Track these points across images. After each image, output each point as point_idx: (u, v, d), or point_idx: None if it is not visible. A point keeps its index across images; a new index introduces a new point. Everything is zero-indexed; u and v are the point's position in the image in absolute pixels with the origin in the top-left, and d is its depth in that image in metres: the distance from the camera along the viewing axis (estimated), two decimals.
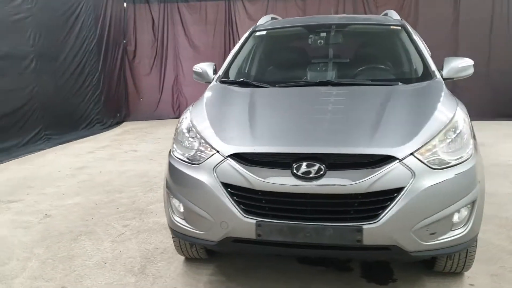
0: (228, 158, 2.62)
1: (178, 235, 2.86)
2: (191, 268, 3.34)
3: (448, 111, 2.81)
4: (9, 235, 4.05)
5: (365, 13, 10.06)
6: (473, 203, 2.60)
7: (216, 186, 2.60)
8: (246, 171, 2.55)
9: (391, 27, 4.06)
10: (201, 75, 3.93)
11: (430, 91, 3.15)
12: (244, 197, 2.56)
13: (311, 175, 2.46)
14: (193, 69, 4.03)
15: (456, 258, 2.93)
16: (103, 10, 9.81)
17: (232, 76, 3.78)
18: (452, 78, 3.62)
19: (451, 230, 2.56)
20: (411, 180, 2.43)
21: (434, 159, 2.52)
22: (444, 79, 3.57)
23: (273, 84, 3.53)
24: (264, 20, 4.52)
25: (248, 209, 2.55)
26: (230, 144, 2.67)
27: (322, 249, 2.58)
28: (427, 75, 3.44)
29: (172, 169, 2.86)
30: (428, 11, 9.71)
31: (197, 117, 3.02)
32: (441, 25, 9.65)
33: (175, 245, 3.28)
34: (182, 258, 3.47)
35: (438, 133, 2.60)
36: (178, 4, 10.65)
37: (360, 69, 3.73)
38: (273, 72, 3.97)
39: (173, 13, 10.70)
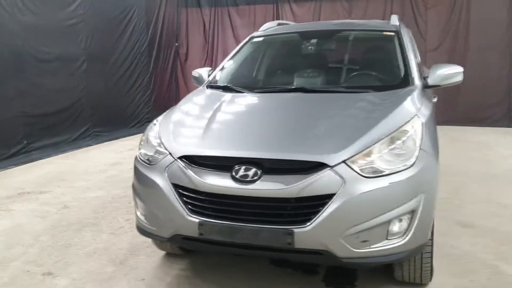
0: (178, 160, 2.79)
1: (140, 231, 3.07)
2: (166, 262, 3.55)
3: (400, 120, 2.80)
4: (25, 223, 4.48)
5: (414, 15, 9.84)
6: (412, 213, 2.59)
7: (166, 186, 2.79)
8: (192, 173, 2.71)
9: (384, 33, 4.04)
10: (198, 80, 4.14)
11: (394, 99, 3.13)
12: (190, 197, 2.73)
13: (248, 179, 2.58)
14: (192, 74, 4.24)
15: (411, 268, 2.92)
16: (155, 14, 10.34)
17: (222, 80, 3.95)
18: (439, 86, 3.57)
19: (387, 239, 2.57)
20: (341, 187, 2.48)
21: (368, 168, 2.54)
22: (429, 86, 3.53)
23: (251, 89, 3.67)
24: (267, 26, 4.64)
25: (193, 209, 2.72)
26: (181, 147, 2.85)
27: (259, 250, 2.68)
28: (405, 82, 3.41)
29: (135, 169, 3.08)
30: (481, 13, 9.29)
31: (165, 120, 3.22)
32: (495, 27, 9.21)
33: (152, 240, 3.50)
34: (164, 252, 3.69)
35: (377, 142, 2.61)
36: (228, 8, 10.96)
37: (340, 76, 3.76)
38: (258, 78, 4.09)
39: (223, 16, 11.02)
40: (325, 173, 2.50)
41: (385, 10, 10.00)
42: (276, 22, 4.76)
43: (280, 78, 3.97)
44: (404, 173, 2.57)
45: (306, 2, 10.57)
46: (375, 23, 4.65)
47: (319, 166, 2.53)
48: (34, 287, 3.24)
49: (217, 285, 3.20)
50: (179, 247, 3.46)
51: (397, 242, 2.59)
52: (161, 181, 2.81)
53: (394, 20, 4.19)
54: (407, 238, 2.60)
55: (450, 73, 3.54)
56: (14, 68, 7.09)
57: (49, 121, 7.65)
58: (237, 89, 3.66)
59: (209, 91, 3.77)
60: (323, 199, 2.50)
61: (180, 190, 2.75)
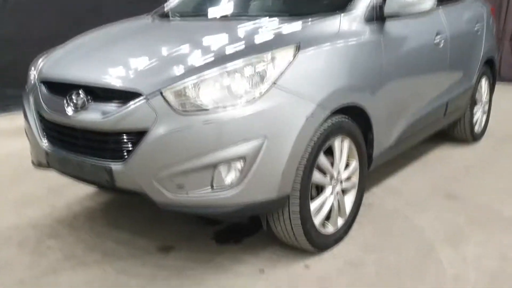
0: (38, 83, 2.66)
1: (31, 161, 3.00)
2: (98, 192, 3.48)
3: (261, 48, 2.28)
4: None
5: None
6: (244, 160, 2.13)
7: (31, 111, 2.70)
8: (43, 99, 2.58)
9: None
10: None
11: (287, 25, 2.56)
12: (44, 125, 2.61)
13: (77, 107, 2.36)
14: None
15: (283, 228, 2.46)
16: None
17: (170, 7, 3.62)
18: (398, 15, 2.86)
19: (212, 188, 2.17)
20: (154, 123, 2.13)
21: (188, 102, 2.13)
22: (386, 17, 2.85)
23: (183, 15, 3.36)
24: None
25: (46, 137, 2.60)
26: (42, 69, 2.69)
27: (94, 184, 2.49)
28: (338, 8, 2.76)
29: None
30: None
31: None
32: None
33: None
34: None
35: (209, 71, 2.16)
36: None
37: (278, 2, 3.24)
38: (201, 6, 3.66)
39: None
40: (140, 105, 2.16)
41: None
42: None
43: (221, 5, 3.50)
44: (231, 112, 2.11)
45: None
46: None
47: (136, 96, 2.19)
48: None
49: (120, 217, 3.11)
50: None
51: (224, 193, 2.17)
52: (28, 105, 2.73)
53: None
54: (238, 190, 2.17)
55: None
56: None
57: None
58: (173, 17, 3.35)
59: (154, 18, 3.44)
60: (137, 135, 2.18)
61: (40, 117, 2.64)
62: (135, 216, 3.10)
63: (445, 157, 4.22)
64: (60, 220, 3.11)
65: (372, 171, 3.06)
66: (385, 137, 2.99)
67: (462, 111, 4.24)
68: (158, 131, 2.12)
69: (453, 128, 4.47)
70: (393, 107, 3.02)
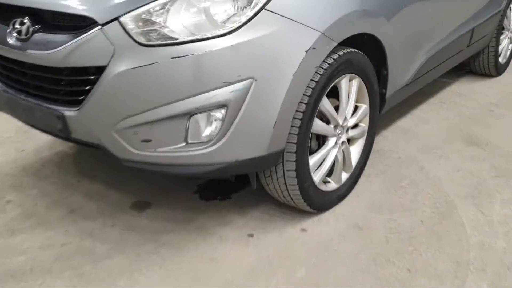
0: None
1: None
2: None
3: None
4: None
5: None
6: (225, 108, 1.68)
7: None
8: None
9: None
10: None
11: None
12: None
13: (21, 37, 1.88)
14: None
15: (276, 187, 2.06)
16: None
17: None
18: None
19: (187, 143, 1.74)
20: (111, 58, 1.67)
21: (153, 31, 1.65)
22: None
23: None
24: None
25: None
26: None
27: (46, 133, 2.07)
28: None
29: None
30: None
31: None
32: None
33: None
34: None
35: None
36: None
37: None
38: None
39: None
40: (93, 35, 1.69)
41: None
42: None
43: None
44: (209, 43, 1.64)
45: None
46: None
47: (90, 25, 1.70)
48: None
49: (94, 164, 2.72)
50: None
51: (202, 150, 1.74)
52: None
53: None
54: (218, 146, 1.74)
55: None
56: None
57: None
58: None
59: None
60: (95, 74, 1.72)
61: None
62: (112, 164, 2.69)
63: (465, 94, 3.74)
64: (26, 167, 2.73)
65: (383, 113, 2.62)
66: (401, 73, 2.53)
67: (487, 40, 3.72)
68: (117, 68, 1.66)
69: (474, 60, 3.96)
70: (413, 37, 2.53)
